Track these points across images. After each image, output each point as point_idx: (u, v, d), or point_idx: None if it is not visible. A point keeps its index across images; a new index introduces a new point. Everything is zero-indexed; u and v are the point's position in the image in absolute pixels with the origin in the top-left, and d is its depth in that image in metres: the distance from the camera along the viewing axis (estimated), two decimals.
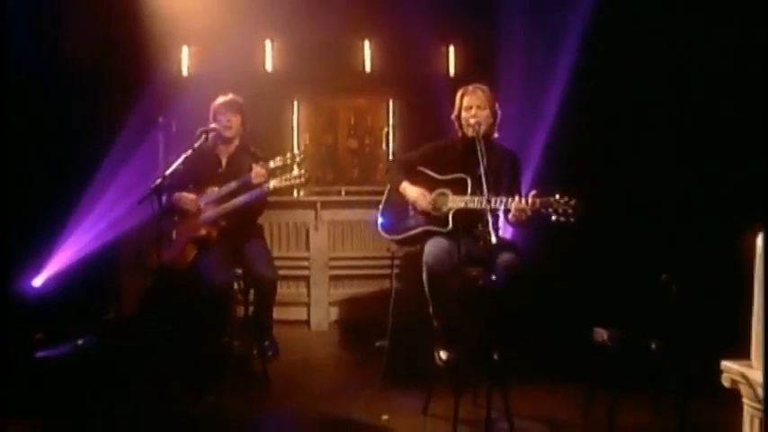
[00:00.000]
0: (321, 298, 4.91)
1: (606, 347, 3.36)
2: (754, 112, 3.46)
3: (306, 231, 4.96)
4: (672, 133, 4.00)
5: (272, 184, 3.56)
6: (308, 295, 4.99)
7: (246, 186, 3.61)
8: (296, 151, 3.61)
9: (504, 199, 3.16)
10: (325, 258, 4.95)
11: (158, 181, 3.17)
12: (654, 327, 3.33)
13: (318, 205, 4.93)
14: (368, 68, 5.22)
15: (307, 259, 4.99)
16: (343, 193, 5.28)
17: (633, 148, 4.08)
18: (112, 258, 4.73)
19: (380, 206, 3.67)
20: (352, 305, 4.94)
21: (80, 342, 3.98)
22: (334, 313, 4.96)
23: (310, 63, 5.12)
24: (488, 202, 2.96)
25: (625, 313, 3.42)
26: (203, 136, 3.52)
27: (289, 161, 3.55)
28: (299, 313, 4.95)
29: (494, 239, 2.74)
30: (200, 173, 3.70)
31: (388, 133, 5.46)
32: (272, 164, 3.59)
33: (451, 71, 5.24)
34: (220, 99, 3.79)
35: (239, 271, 3.68)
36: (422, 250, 3.40)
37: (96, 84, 4.67)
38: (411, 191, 3.49)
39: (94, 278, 4.54)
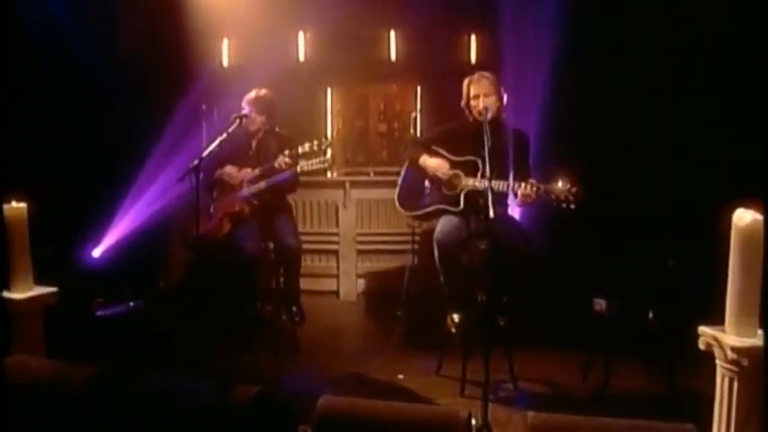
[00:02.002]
0: (349, 270, 5.29)
1: (604, 316, 3.64)
2: (755, 87, 3.52)
3: (336, 209, 5.32)
4: (671, 108, 4.17)
5: (299, 167, 3.89)
6: (338, 268, 5.37)
7: (272, 171, 3.97)
8: (323, 139, 3.91)
9: (509, 183, 3.44)
10: (353, 234, 5.31)
11: (196, 161, 3.48)
12: (651, 298, 3.58)
13: (347, 185, 5.28)
14: (393, 57, 5.47)
15: (336, 235, 5.36)
16: (371, 174, 5.60)
17: (633, 123, 4.25)
18: (162, 233, 5.14)
19: (398, 183, 3.94)
20: (378, 277, 5.27)
21: (131, 304, 4.44)
22: (361, 285, 5.32)
23: (341, 53, 5.38)
24: (490, 184, 3.23)
25: (624, 285, 3.68)
26: (237, 121, 3.83)
27: (315, 147, 3.85)
28: (329, 284, 5.34)
29: (491, 214, 3.03)
30: (235, 154, 4.12)
31: (415, 118, 5.70)
32: (300, 149, 3.90)
33: (473, 59, 5.45)
34: (252, 94, 4.13)
35: (271, 244, 4.04)
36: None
37: (147, 76, 5.03)
38: (431, 161, 3.74)
39: (147, 250, 4.97)
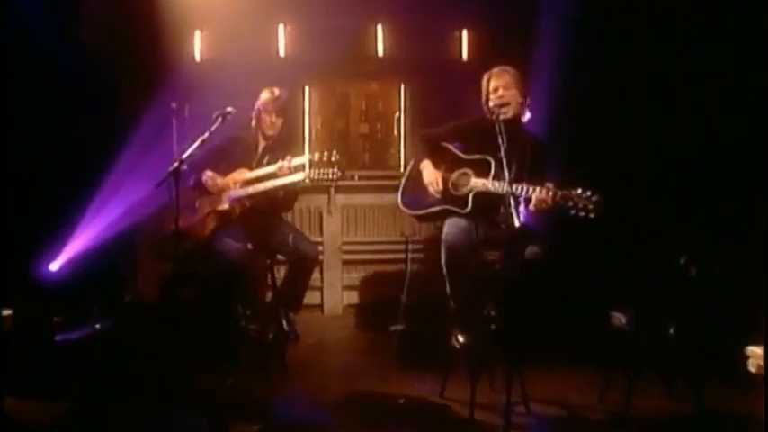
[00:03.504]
0: (335, 282, 4.94)
1: (623, 331, 3.38)
2: None
3: (319, 216, 4.98)
4: (687, 111, 3.97)
5: (302, 176, 3.60)
6: (322, 280, 5.02)
7: (272, 176, 3.71)
8: (334, 151, 3.62)
9: (525, 187, 3.14)
10: (339, 243, 4.98)
11: (175, 164, 3.20)
12: (671, 310, 3.34)
13: (332, 189, 4.94)
14: (380, 53, 5.18)
15: (320, 244, 5.00)
16: (356, 177, 5.27)
17: (648, 127, 4.05)
18: (129, 242, 4.76)
19: (402, 179, 3.69)
20: (366, 289, 4.97)
21: (97, 326, 4.01)
22: (347, 297, 4.99)
23: (324, 47, 5.06)
24: (510, 187, 2.95)
25: (642, 297, 3.43)
26: (219, 119, 3.53)
27: (325, 158, 3.58)
28: (312, 297, 4.91)
29: (517, 223, 2.74)
30: (236, 154, 3.84)
31: (399, 118, 5.43)
32: (299, 160, 3.64)
33: (465, 56, 5.20)
34: (267, 96, 3.87)
35: (250, 246, 3.73)
36: (439, 233, 3.41)
37: (111, 69, 4.66)
38: (427, 173, 3.50)
39: (111, 262, 4.58)
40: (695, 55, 3.94)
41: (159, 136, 4.64)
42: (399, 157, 5.41)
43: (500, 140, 3.05)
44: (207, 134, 3.43)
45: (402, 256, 4.88)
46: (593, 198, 2.99)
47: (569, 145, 3.75)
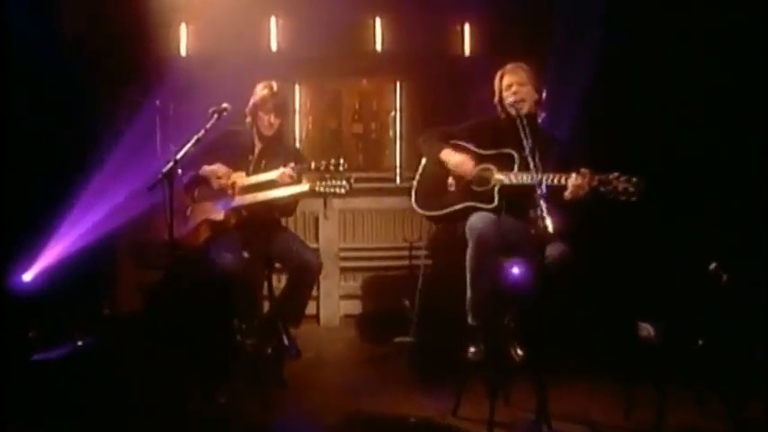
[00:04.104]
0: (331, 291, 4.64)
1: (651, 343, 3.16)
2: None
3: (315, 221, 4.69)
4: (717, 114, 3.75)
5: (306, 187, 3.32)
6: (318, 288, 4.66)
7: (272, 184, 3.40)
8: (341, 160, 3.35)
9: (558, 176, 2.92)
10: (336, 249, 4.69)
11: (169, 165, 2.91)
12: (701, 320, 3.12)
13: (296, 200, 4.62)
14: (379, 47, 4.94)
15: (316, 250, 4.69)
16: (353, 179, 5.01)
17: (677, 132, 3.82)
18: (108, 250, 4.44)
19: (415, 180, 3.46)
20: (365, 299, 4.69)
21: (80, 343, 3.69)
22: (344, 307, 4.70)
23: (318, 42, 4.81)
24: (541, 178, 2.72)
25: (671, 306, 3.21)
26: (215, 116, 3.24)
27: (332, 167, 3.30)
28: (307, 308, 4.64)
29: (550, 227, 2.49)
30: (231, 154, 3.50)
31: (395, 117, 5.17)
32: (311, 165, 3.36)
33: (467, 51, 4.97)
34: (266, 92, 3.53)
35: (246, 254, 3.45)
36: (451, 235, 3.24)
37: (90, 65, 4.38)
38: (454, 156, 3.26)
39: (89, 272, 4.25)
40: (724, 47, 3.72)
41: (142, 136, 4.50)
42: (395, 159, 5.17)
43: (522, 135, 2.87)
44: (202, 132, 3.13)
45: (403, 262, 4.65)
46: (634, 180, 2.83)
47: (589, 145, 3.49)
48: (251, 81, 3.88)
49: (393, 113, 5.16)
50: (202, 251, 3.40)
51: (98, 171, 4.25)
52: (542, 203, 2.57)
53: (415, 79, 5.07)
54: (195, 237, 3.41)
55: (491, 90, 4.97)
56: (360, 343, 4.35)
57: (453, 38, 4.97)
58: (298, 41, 4.86)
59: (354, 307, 4.70)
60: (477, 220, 3.10)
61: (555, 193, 2.92)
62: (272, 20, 4.86)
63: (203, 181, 3.55)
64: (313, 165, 3.35)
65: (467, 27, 4.94)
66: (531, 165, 2.75)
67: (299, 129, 5.09)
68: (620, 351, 3.25)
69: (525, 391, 2.96)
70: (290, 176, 3.33)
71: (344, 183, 3.28)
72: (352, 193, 4.65)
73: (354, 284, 4.72)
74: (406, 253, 4.61)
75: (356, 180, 4.84)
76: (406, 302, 4.12)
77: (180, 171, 3.07)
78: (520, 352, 3.13)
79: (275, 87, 3.53)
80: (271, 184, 3.41)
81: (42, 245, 4.08)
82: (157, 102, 4.58)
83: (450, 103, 5.03)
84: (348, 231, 4.74)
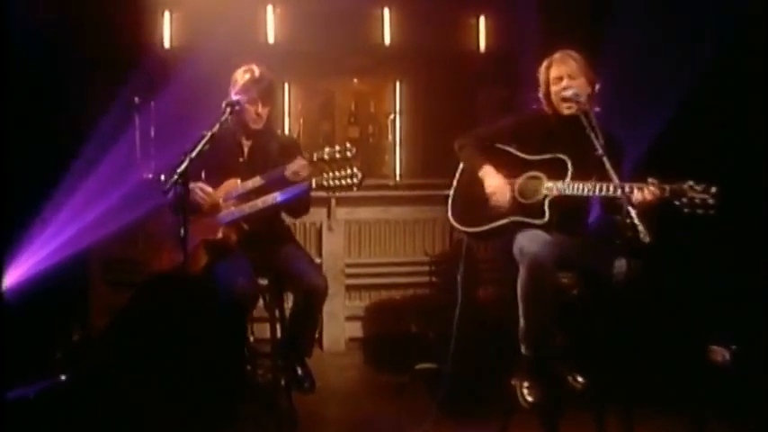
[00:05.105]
0: (336, 312, 4.11)
1: (725, 368, 2.76)
2: None
3: (318, 232, 4.17)
4: None
5: (315, 181, 2.80)
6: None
7: (279, 183, 2.87)
8: (347, 144, 2.83)
9: (617, 184, 2.48)
10: (341, 264, 4.16)
11: (184, 165, 2.46)
12: None
13: (333, 201, 4.13)
14: (387, 41, 4.52)
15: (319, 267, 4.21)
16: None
17: (743, 137, 3.40)
18: (79, 267, 3.92)
19: (451, 190, 3.04)
20: (373, 320, 4.18)
21: (63, 378, 3.16)
22: (350, 330, 4.19)
23: (320, 35, 4.39)
24: (619, 188, 2.36)
25: (747, 328, 2.82)
26: (228, 110, 2.76)
27: (338, 155, 2.78)
28: None
29: (646, 236, 2.06)
30: (216, 160, 2.90)
31: (394, 120, 4.75)
32: (319, 155, 2.82)
33: (482, 46, 4.60)
34: (247, 78, 2.96)
35: (265, 282, 2.95)
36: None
37: (63, 57, 3.87)
38: (491, 179, 2.83)
39: (57, 291, 3.66)
40: None
41: (118, 136, 4.06)
42: (395, 165, 4.77)
43: (592, 133, 2.50)
44: (216, 127, 2.67)
45: (415, 279, 4.19)
46: (712, 190, 2.41)
47: (653, 145, 3.07)
48: None
49: (392, 116, 4.75)
50: (206, 278, 2.84)
51: (69, 177, 3.76)
52: (631, 210, 2.15)
53: (419, 78, 4.67)
54: (194, 262, 2.84)
55: (505, 91, 4.66)
56: (371, 370, 3.86)
57: (466, 31, 4.61)
58: (296, 34, 4.43)
59: (360, 329, 4.19)
60: (529, 242, 2.68)
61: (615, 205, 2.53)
62: (269, 9, 4.43)
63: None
64: (315, 156, 2.82)
65: (482, 20, 4.58)
66: (609, 169, 2.37)
67: (289, 132, 4.64)
68: (689, 376, 2.83)
69: (584, 422, 2.59)
70: (304, 168, 2.80)
71: (356, 172, 2.77)
72: (359, 201, 4.30)
73: (361, 304, 4.21)
74: (417, 269, 4.18)
75: (370, 188, 4.45)
76: (419, 328, 3.71)
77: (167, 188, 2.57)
78: (580, 379, 2.70)
79: (257, 72, 2.97)
80: (270, 187, 2.88)
81: (8, 260, 3.55)
82: (136, 99, 4.14)
83: (458, 104, 4.65)
84: (354, 244, 4.24)
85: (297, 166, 2.80)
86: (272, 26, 4.42)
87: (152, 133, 4.22)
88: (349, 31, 4.45)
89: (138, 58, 4.13)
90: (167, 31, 4.43)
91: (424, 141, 4.77)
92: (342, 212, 4.18)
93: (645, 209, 2.45)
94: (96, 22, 3.97)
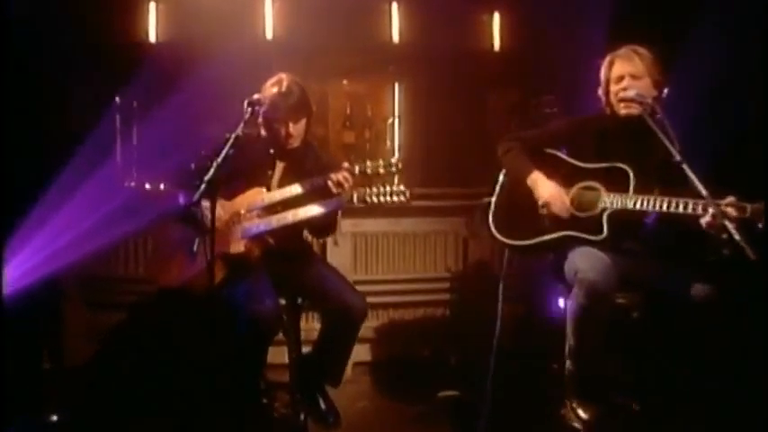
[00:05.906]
0: None
1: None
2: None
3: (321, 247, 3.81)
4: None
5: (357, 196, 2.61)
6: None
7: (319, 193, 2.64)
8: (393, 159, 2.61)
9: (688, 202, 2.23)
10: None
11: (211, 171, 2.25)
12: None
13: (339, 212, 3.79)
14: (396, 38, 4.25)
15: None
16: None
17: None
18: (51, 285, 3.45)
19: (492, 198, 2.76)
20: (383, 343, 3.83)
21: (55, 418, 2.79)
22: (356, 353, 3.81)
23: (323, 30, 4.09)
24: (707, 204, 2.13)
25: None
26: (250, 109, 2.49)
27: (382, 170, 2.59)
28: None
29: (752, 253, 1.78)
30: (239, 167, 2.59)
31: (392, 124, 4.49)
32: (361, 168, 2.63)
33: (496, 45, 4.35)
34: (274, 91, 2.70)
35: (283, 302, 2.68)
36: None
37: (35, 52, 3.54)
38: (545, 187, 2.56)
39: (26, 313, 3.26)
40: None
41: (98, 141, 3.68)
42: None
43: (666, 139, 2.30)
44: (240, 128, 2.42)
45: (428, 297, 3.86)
46: (757, 207, 2.18)
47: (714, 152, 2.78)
48: (237, 76, 3.30)
49: (391, 120, 4.49)
50: (223, 295, 2.53)
51: (44, 184, 3.37)
52: (729, 225, 1.88)
53: (420, 79, 4.39)
54: (210, 278, 2.53)
55: (519, 93, 4.39)
56: (383, 399, 3.51)
57: (479, 29, 4.36)
58: (297, 29, 4.13)
59: (369, 353, 3.84)
60: (589, 267, 2.40)
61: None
62: (267, 1, 4.12)
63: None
64: (357, 168, 2.60)
65: (496, 16, 4.33)
66: (695, 180, 2.14)
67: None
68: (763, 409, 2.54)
69: None
70: (347, 181, 2.57)
71: (403, 189, 2.57)
72: (366, 212, 3.95)
73: (369, 326, 3.85)
74: (430, 286, 3.87)
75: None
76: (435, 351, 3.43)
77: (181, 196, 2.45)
78: (635, 406, 2.45)
79: (285, 84, 2.71)
80: (304, 198, 2.63)
81: None
82: (117, 99, 3.84)
83: (465, 107, 4.39)
84: (361, 259, 3.89)
85: (342, 176, 2.56)
86: (270, 21, 4.12)
87: (131, 136, 3.88)
88: (354, 27, 4.19)
89: (121, 53, 3.83)
90: (153, 25, 4.12)
91: (426, 147, 4.49)
92: (347, 224, 3.83)
93: (717, 228, 2.18)
94: (77, 13, 3.63)
